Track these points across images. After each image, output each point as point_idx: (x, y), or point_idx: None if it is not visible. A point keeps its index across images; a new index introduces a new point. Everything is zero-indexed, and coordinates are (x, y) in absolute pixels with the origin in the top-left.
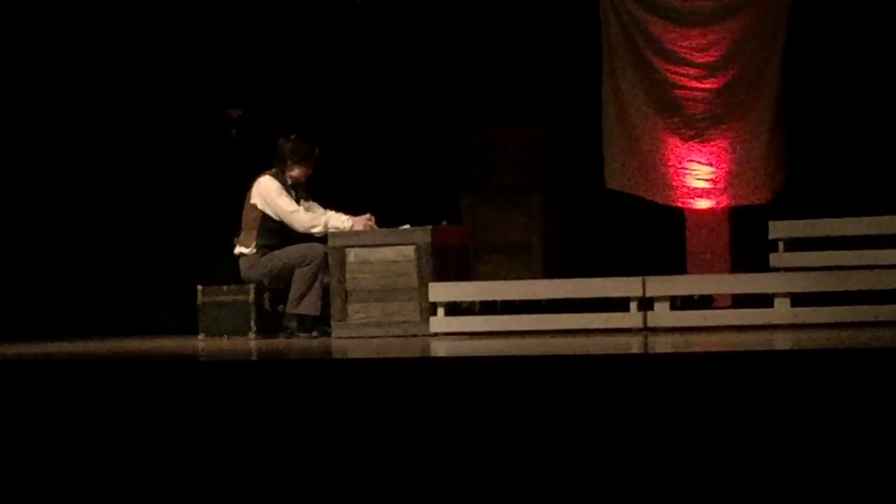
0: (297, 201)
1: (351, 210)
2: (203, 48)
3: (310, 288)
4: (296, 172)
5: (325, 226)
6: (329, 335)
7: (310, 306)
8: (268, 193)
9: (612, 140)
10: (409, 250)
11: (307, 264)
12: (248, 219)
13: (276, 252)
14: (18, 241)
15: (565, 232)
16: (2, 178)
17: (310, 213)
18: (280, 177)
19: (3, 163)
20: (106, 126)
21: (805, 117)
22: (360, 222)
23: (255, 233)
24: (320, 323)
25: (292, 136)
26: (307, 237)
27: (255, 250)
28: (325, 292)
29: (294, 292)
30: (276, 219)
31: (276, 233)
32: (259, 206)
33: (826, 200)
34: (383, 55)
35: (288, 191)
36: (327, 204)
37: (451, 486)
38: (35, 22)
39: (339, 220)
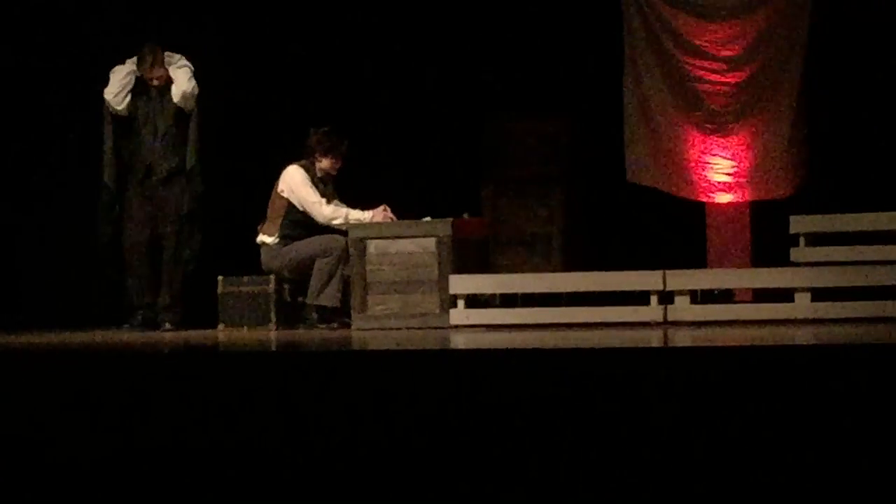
0: (326, 196)
1: (370, 202)
2: (215, 36)
3: (330, 279)
4: (325, 164)
5: (346, 218)
6: (349, 327)
7: (330, 298)
8: (293, 181)
9: (633, 133)
10: (430, 242)
11: (328, 256)
12: (273, 207)
13: (297, 243)
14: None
15: (586, 225)
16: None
17: (332, 206)
18: (309, 168)
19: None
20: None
21: (827, 112)
22: (380, 215)
23: (279, 222)
24: (340, 314)
25: (322, 129)
26: (329, 229)
27: (277, 240)
28: (346, 284)
29: (314, 283)
30: (301, 209)
31: (301, 224)
32: (285, 195)
33: (847, 195)
34: (404, 47)
35: (315, 182)
36: (348, 196)
37: (470, 479)
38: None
39: (360, 214)
